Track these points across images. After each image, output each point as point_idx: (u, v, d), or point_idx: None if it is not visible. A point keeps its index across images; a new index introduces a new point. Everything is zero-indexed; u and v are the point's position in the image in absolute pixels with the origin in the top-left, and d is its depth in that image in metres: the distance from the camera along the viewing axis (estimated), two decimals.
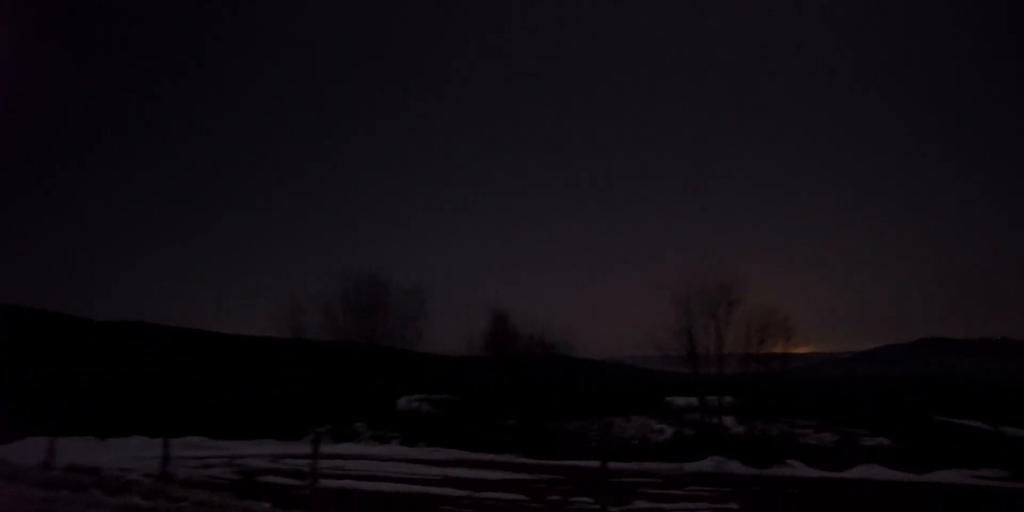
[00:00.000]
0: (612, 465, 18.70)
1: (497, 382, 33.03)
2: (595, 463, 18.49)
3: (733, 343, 27.04)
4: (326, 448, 19.85)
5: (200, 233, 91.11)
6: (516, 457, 20.75)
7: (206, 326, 46.31)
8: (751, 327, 26.04)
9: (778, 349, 27.50)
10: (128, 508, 6.69)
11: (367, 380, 33.27)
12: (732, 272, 27.77)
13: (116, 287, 77.45)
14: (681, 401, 29.81)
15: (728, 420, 25.44)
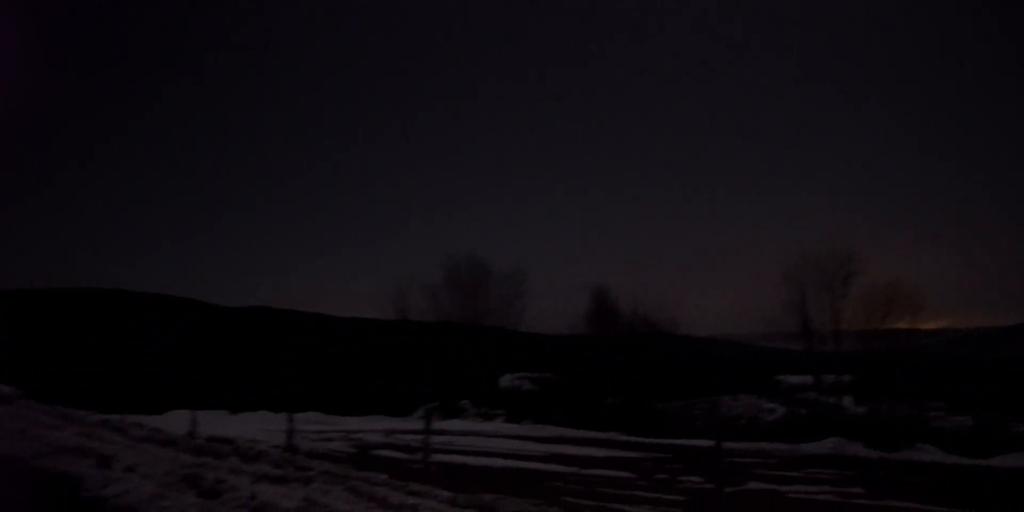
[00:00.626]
0: (722, 445, 18.24)
1: (599, 360, 32.91)
2: (701, 442, 18.12)
3: (851, 319, 25.55)
4: (435, 424, 20.61)
5: (314, 221, 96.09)
6: (620, 435, 20.62)
7: (322, 310, 49.06)
8: (873, 301, 24.48)
9: (903, 324, 25.68)
10: (262, 475, 7.19)
11: (470, 359, 34.14)
12: (849, 243, 26.16)
13: (240, 276, 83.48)
14: (794, 379, 28.49)
15: (846, 400, 24.04)
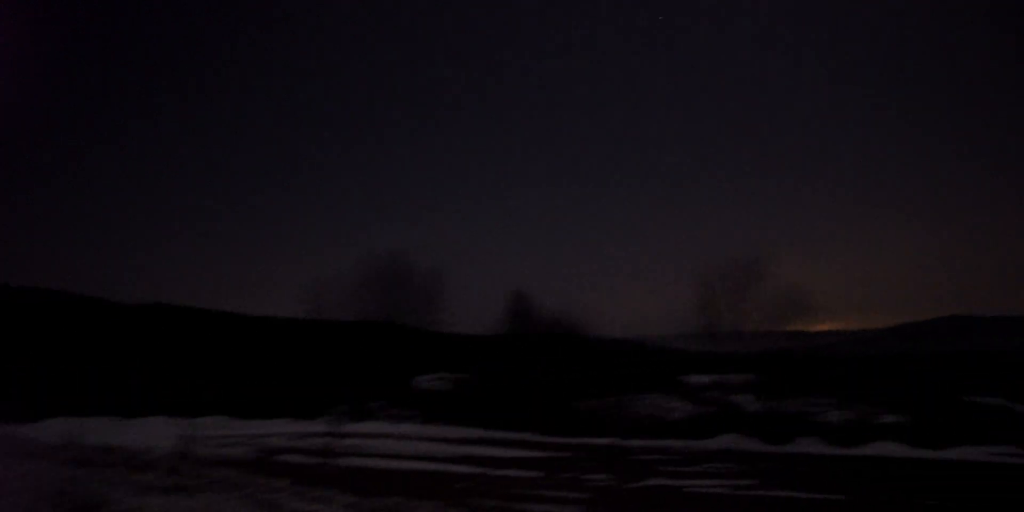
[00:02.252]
0: (628, 443, 18.91)
1: (515, 361, 33.24)
2: (611, 441, 18.72)
3: (755, 321, 26.96)
4: (345, 427, 20.23)
5: (224, 216, 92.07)
6: (533, 435, 20.96)
7: (230, 308, 47.05)
8: (774, 304, 25.89)
9: (800, 327, 27.34)
10: (150, 486, 6.86)
11: (386, 359, 33.69)
12: (755, 249, 27.58)
13: (140, 271, 78.87)
14: (699, 379, 29.80)
15: (747, 398, 25.39)
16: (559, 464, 14.36)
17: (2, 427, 13.35)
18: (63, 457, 8.52)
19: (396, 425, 23.47)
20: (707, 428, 20.41)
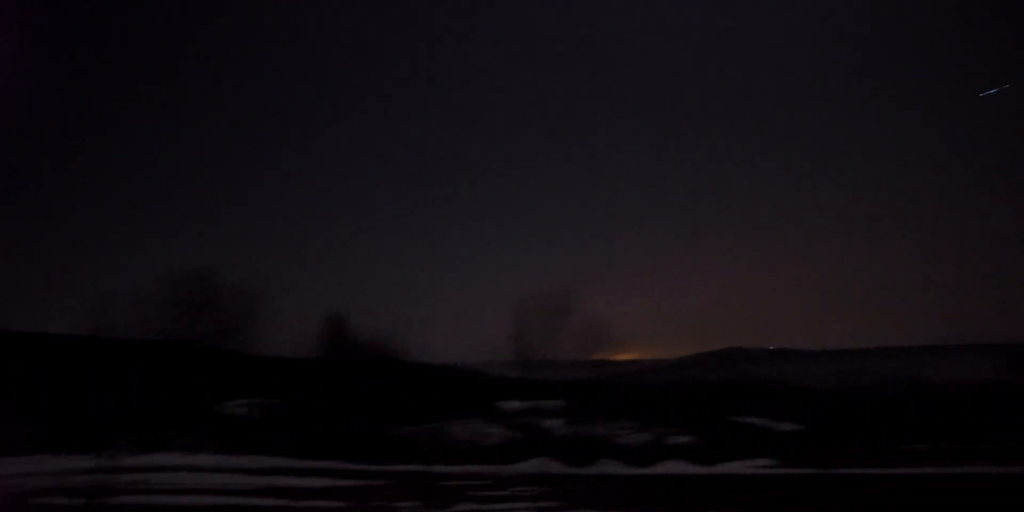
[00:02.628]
0: (441, 469, 18.95)
1: (330, 386, 31.92)
2: (425, 467, 18.62)
3: (564, 350, 28.54)
4: (130, 460, 18.03)
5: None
6: (346, 463, 20.21)
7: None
8: (581, 335, 27.61)
9: (605, 356, 29.45)
10: None
11: (184, 384, 30.65)
12: (566, 282, 29.40)
13: None
14: (513, 405, 30.80)
15: (557, 423, 26.71)
16: (368, 493, 14.01)
17: None
18: None
19: (191, 456, 21.35)
20: (519, 452, 21.10)
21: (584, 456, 20.11)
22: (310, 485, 15.17)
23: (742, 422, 27.36)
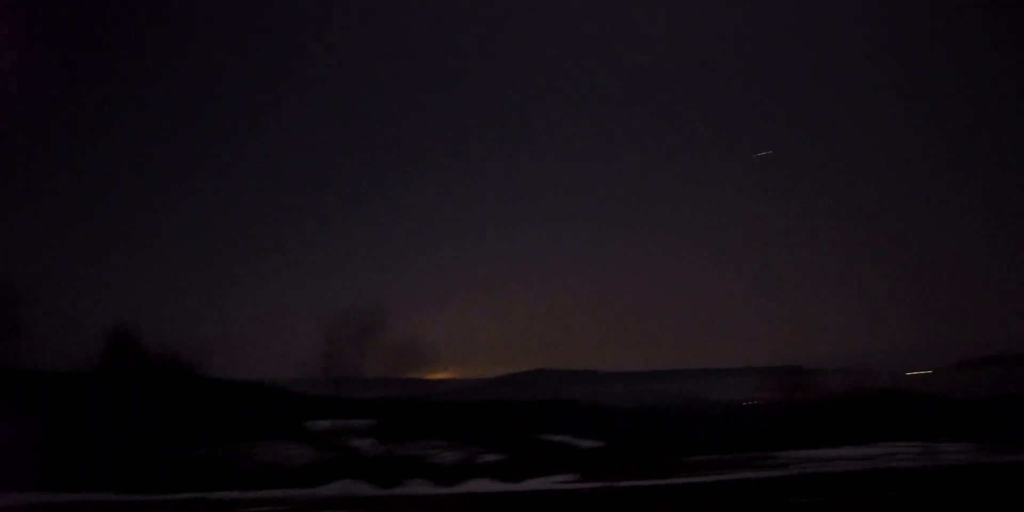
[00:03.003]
0: (236, 495, 17.53)
1: (111, 404, 28.17)
2: (214, 494, 17.10)
3: (377, 368, 28.07)
4: None
5: None
6: (119, 495, 17.92)
7: None
8: (395, 353, 27.35)
9: (418, 375, 29.42)
10: None
11: None
12: (379, 299, 29.05)
13: None
14: (322, 425, 29.49)
15: (367, 443, 25.98)
16: None
17: None
18: None
19: None
20: (325, 474, 20.24)
21: (393, 476, 19.84)
22: None
23: (548, 440, 28.73)
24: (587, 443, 29.15)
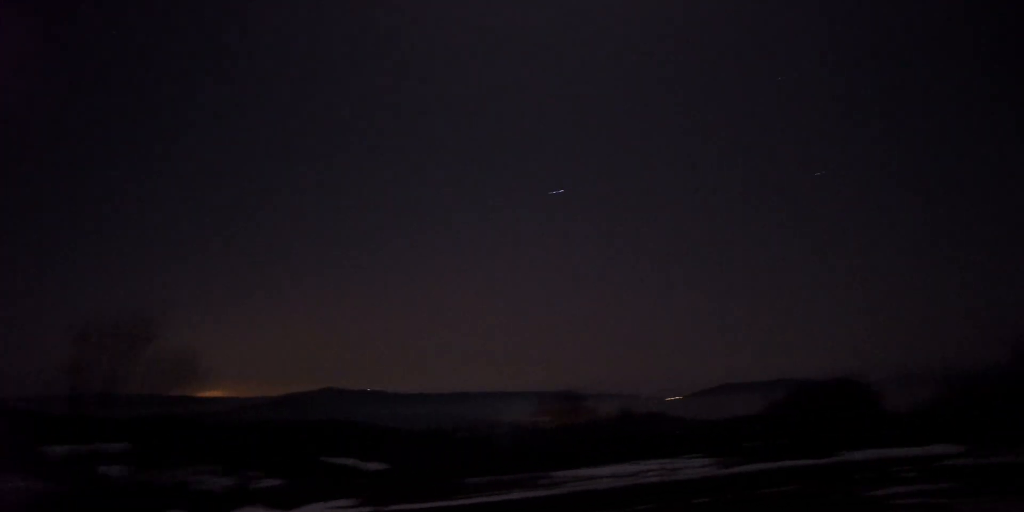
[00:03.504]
0: None
1: None
2: None
3: (137, 384, 25.01)
4: None
5: None
6: None
7: None
8: (159, 368, 24.59)
9: (188, 392, 26.67)
10: None
11: None
12: (142, 308, 25.92)
13: None
14: (60, 449, 25.40)
15: (118, 469, 22.83)
16: None
17: None
18: None
19: None
20: (61, 509, 17.39)
21: (148, 507, 17.69)
22: None
23: (332, 462, 27.56)
24: (373, 466, 28.47)
